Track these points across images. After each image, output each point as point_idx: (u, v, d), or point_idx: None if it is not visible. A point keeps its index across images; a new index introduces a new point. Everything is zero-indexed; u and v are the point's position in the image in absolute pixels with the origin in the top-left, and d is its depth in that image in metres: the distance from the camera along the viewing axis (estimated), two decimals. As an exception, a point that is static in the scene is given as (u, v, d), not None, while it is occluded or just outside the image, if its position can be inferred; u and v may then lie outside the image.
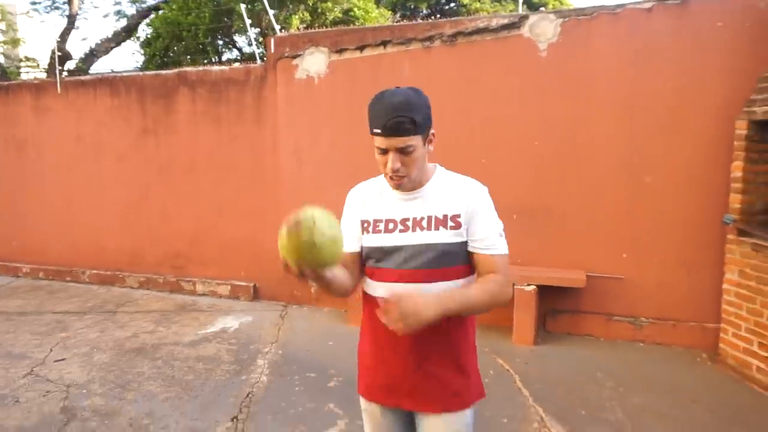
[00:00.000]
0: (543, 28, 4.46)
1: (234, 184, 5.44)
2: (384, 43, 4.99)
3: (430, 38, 4.81)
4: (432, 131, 1.59)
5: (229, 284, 5.45)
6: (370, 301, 1.68)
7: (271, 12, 5.60)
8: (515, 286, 4.26)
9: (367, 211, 1.68)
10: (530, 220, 4.51)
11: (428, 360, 1.62)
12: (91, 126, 5.99)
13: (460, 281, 1.60)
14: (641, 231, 4.27)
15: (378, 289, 1.63)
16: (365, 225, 1.67)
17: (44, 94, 6.21)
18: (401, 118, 1.48)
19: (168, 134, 5.67)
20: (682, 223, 4.17)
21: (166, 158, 5.70)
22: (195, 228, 5.60)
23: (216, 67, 5.56)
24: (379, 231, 1.63)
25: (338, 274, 1.57)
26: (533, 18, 4.50)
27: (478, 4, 15.70)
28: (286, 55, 5.23)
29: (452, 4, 16.65)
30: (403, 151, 1.51)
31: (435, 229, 1.59)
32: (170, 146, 5.67)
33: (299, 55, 5.21)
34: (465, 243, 1.59)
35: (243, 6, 6.35)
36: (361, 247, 1.68)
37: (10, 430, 2.96)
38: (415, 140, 1.52)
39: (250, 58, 10.14)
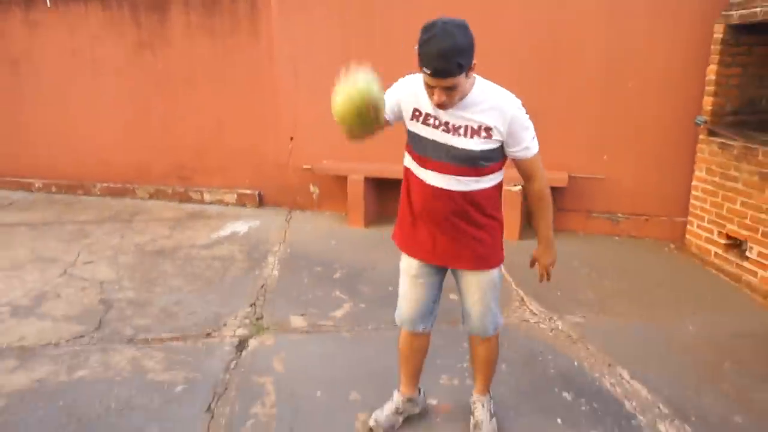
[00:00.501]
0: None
1: (233, 96, 5.60)
2: (377, -50, 4.96)
3: (423, -57, 4.78)
4: (474, 62, 1.78)
5: (235, 193, 5.78)
6: (410, 175, 2.07)
7: None
8: (504, 186, 4.59)
9: (420, 103, 1.94)
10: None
11: (460, 233, 2.01)
12: (86, 40, 6.02)
13: (488, 176, 1.97)
14: (621, 133, 4.55)
15: (420, 171, 2.01)
16: (416, 113, 1.96)
17: (34, 9, 6.17)
18: (448, 65, 1.69)
19: (164, 47, 5.73)
20: (659, 126, 4.44)
21: (164, 72, 5.80)
22: (198, 140, 5.83)
23: (208, -23, 5.52)
24: (428, 124, 1.93)
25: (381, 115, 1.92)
26: None
27: None
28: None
29: None
30: (447, 89, 1.76)
31: (470, 137, 1.88)
32: (167, 59, 5.76)
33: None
34: (496, 150, 1.91)
35: None
36: (407, 126, 2.04)
37: (59, 318, 3.39)
38: (459, 79, 1.74)
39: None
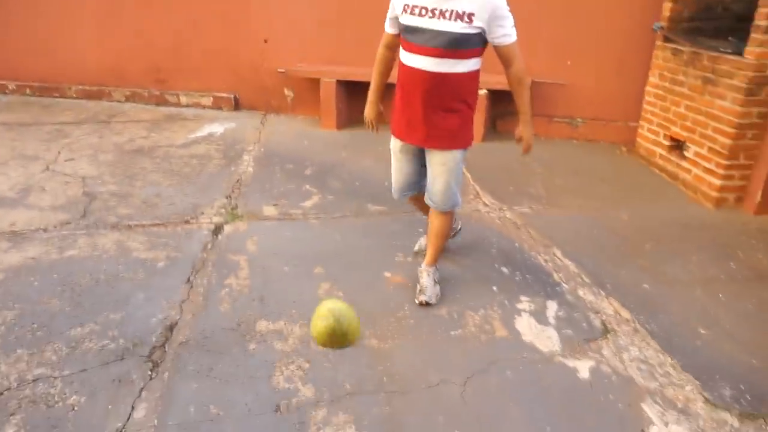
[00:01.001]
0: None
1: (205, -4, 5.54)
2: None
3: None
4: None
5: (211, 96, 5.87)
6: (401, 65, 2.38)
7: None
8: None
9: None
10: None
11: (435, 115, 2.35)
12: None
13: (470, 61, 2.27)
14: (583, 39, 4.69)
15: (408, 57, 2.32)
16: (406, 8, 2.26)
17: None
18: None
19: (132, -57, 5.56)
20: (621, 32, 4.58)
21: (134, -30, 5.66)
22: (173, 42, 5.81)
23: None
24: (415, 14, 2.24)
25: (384, 80, 2.64)
26: None
27: None
28: None
29: None
30: None
31: (453, 21, 2.17)
32: (136, -44, 5.61)
33: None
34: (475, 35, 2.20)
35: None
36: (399, 24, 2.34)
37: (46, 208, 3.62)
38: None
39: None
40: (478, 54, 2.30)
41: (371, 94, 2.67)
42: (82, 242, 3.16)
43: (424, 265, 2.72)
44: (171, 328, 2.43)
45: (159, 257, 3.01)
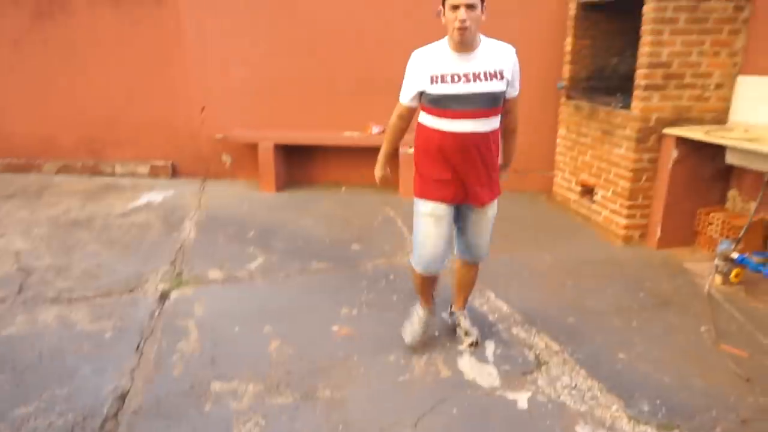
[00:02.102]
0: None
1: (142, 66, 5.68)
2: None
3: None
4: (485, 5, 2.24)
5: (148, 164, 5.91)
6: (434, 133, 2.41)
7: None
8: (399, 149, 5.12)
9: (435, 68, 2.31)
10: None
11: (491, 171, 2.49)
12: (-25, 11, 5.80)
13: (498, 117, 2.42)
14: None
15: (449, 124, 2.36)
16: (435, 78, 2.30)
17: None
18: None
19: (65, 17, 5.65)
20: (534, 91, 5.09)
21: (67, 42, 5.73)
22: (107, 111, 5.86)
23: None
24: (447, 82, 2.29)
25: (396, 147, 2.72)
26: None
27: None
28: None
29: None
30: (470, 7, 2.16)
31: (489, 81, 2.30)
32: (69, 29, 5.68)
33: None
34: (504, 90, 2.36)
35: None
36: (425, 95, 2.36)
37: (-22, 286, 3.52)
38: (478, 3, 2.19)
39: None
40: (502, 109, 2.46)
41: (382, 158, 2.71)
42: (20, 319, 3.10)
43: (459, 311, 2.94)
44: (123, 397, 2.44)
45: (105, 328, 3.00)
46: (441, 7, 2.24)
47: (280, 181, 5.51)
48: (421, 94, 2.38)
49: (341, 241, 4.23)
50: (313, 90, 5.44)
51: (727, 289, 3.42)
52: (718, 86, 3.88)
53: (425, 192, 2.52)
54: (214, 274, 3.67)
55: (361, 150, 5.43)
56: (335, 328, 3.03)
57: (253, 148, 5.51)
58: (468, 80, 2.29)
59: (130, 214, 4.85)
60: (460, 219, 2.62)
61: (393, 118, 2.56)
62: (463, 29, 2.18)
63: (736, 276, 3.42)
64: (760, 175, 3.55)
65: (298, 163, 5.70)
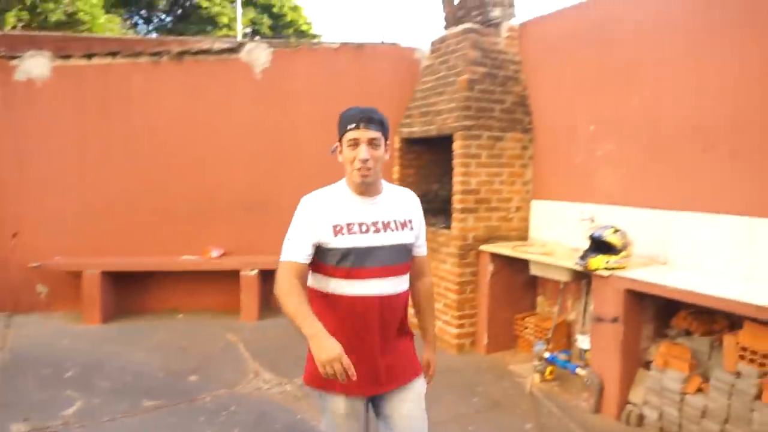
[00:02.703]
0: (258, 55, 5.35)
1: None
2: (113, 54, 5.26)
3: (159, 53, 5.28)
4: (388, 143, 1.84)
5: (-64, 300, 5.03)
6: (335, 300, 1.79)
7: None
8: (241, 272, 5.08)
9: (338, 216, 1.78)
10: (252, 213, 5.38)
11: (397, 343, 1.89)
12: None
13: (407, 276, 1.91)
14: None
15: (351, 286, 1.77)
16: (338, 228, 1.76)
17: None
18: (373, 115, 1.76)
19: None
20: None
21: None
22: None
23: None
24: (355, 232, 1.77)
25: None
26: (249, 45, 5.36)
27: (218, 8, 16.08)
28: (2, 54, 5.07)
29: (188, 3, 16.64)
30: (372, 143, 1.74)
31: (401, 230, 1.84)
32: None
33: (18, 57, 5.10)
34: (412, 243, 1.91)
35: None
36: (326, 251, 1.77)
37: None
38: (381, 138, 1.77)
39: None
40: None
41: (321, 328, 1.59)
42: None
43: None
44: None
45: None
46: (338, 143, 1.82)
47: (108, 311, 5.04)
48: (318, 249, 1.79)
49: (177, 373, 3.93)
50: (148, 213, 5.26)
51: (544, 386, 3.81)
52: (518, 209, 4.60)
53: (321, 381, 1.77)
54: (18, 428, 3.13)
55: (200, 274, 5.26)
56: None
57: (76, 276, 5.03)
58: (378, 230, 1.81)
59: None
60: (380, 416, 1.91)
61: (285, 280, 1.71)
62: (365, 171, 1.74)
63: (551, 373, 3.85)
64: (557, 282, 4.17)
65: (130, 291, 5.30)
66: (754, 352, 2.82)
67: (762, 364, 2.79)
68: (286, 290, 1.68)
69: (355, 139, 1.75)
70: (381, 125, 1.77)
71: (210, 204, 5.30)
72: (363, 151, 1.74)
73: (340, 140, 1.81)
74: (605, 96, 3.97)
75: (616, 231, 3.42)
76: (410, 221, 1.89)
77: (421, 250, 2.00)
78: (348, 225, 1.78)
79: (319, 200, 1.83)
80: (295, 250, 1.77)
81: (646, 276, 3.23)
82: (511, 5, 4.62)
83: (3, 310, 5.15)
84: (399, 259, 1.85)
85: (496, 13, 4.53)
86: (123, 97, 5.25)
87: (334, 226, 1.77)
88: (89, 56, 5.23)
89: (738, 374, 2.89)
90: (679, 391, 3.12)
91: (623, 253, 3.39)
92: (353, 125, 1.74)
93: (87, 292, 4.91)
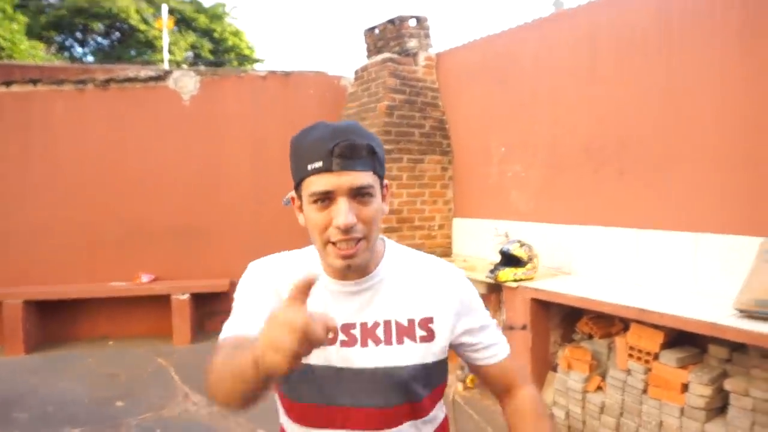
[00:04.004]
0: (185, 82, 5.43)
1: None
2: (34, 81, 5.21)
3: (83, 81, 5.27)
4: (386, 183, 1.06)
5: None
6: None
7: None
8: (172, 296, 5.08)
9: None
10: (183, 239, 5.39)
11: None
12: None
13: (430, 414, 1.11)
14: (272, 242, 5.60)
15: None
16: None
17: None
18: (356, 140, 0.95)
19: None
20: (289, 235, 5.64)
21: None
22: None
23: None
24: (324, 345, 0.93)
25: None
26: (177, 73, 5.43)
27: (156, 32, 15.96)
28: None
29: (127, 26, 16.45)
30: (359, 194, 0.96)
31: (398, 343, 1.05)
32: None
33: (-72, 84, 4.98)
34: (439, 363, 1.10)
35: None
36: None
37: None
38: (374, 181, 0.99)
39: None
40: (441, 395, 1.19)
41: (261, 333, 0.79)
42: None
43: None
44: None
45: None
46: (293, 192, 1.06)
47: (32, 341, 4.91)
48: None
49: (103, 400, 3.89)
50: (73, 239, 5.19)
51: (466, 394, 4.03)
52: (441, 227, 4.86)
53: None
54: (-72, 464, 3.05)
55: (130, 300, 5.21)
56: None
57: (-6, 307, 4.88)
58: (351, 341, 1.05)
59: None
60: None
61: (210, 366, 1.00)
62: (349, 247, 0.97)
63: (471, 381, 4.07)
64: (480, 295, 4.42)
65: (57, 319, 5.18)
66: (640, 351, 3.13)
67: (647, 361, 3.10)
68: (212, 365, 0.98)
69: (324, 193, 0.95)
70: (372, 157, 0.98)
71: (139, 230, 5.28)
72: (343, 213, 0.94)
73: (297, 188, 1.02)
74: (511, 121, 4.31)
75: (522, 245, 3.71)
76: (427, 321, 1.08)
77: (495, 351, 1.17)
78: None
79: (269, 278, 1.10)
80: (234, 324, 1.07)
81: (550, 286, 3.52)
82: (427, 36, 4.93)
83: None
84: (388, 398, 1.04)
85: (412, 43, 4.83)
86: (46, 125, 5.19)
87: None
88: (8, 84, 5.16)
89: (629, 371, 3.20)
90: (581, 390, 3.41)
91: (529, 266, 3.68)
92: (318, 164, 0.94)
93: (8, 323, 4.77)
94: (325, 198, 0.96)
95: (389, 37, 4.94)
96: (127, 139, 5.34)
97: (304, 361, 0.76)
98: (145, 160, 5.35)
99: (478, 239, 4.66)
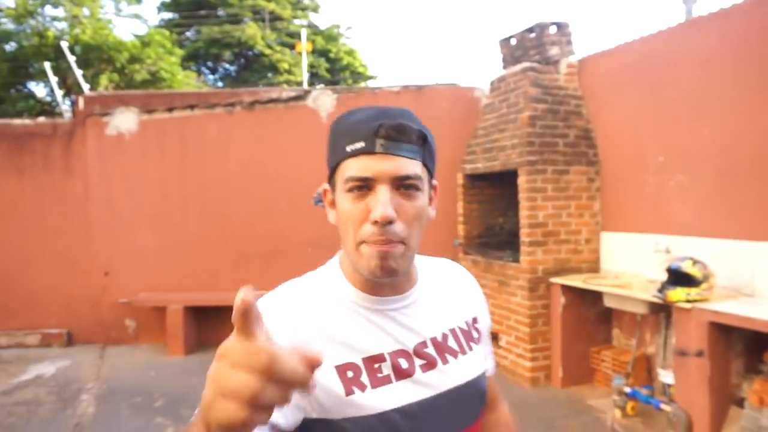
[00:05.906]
0: (323, 101, 5.66)
1: (42, 234, 5.54)
2: (191, 107, 5.71)
3: (232, 104, 5.68)
4: (435, 183, 0.92)
5: (39, 333, 5.47)
6: None
7: (78, 71, 5.89)
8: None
9: (337, 346, 0.83)
10: (321, 250, 5.55)
11: None
12: None
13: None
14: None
15: None
16: (350, 376, 0.82)
17: None
18: (405, 122, 0.81)
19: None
20: (434, 249, 5.61)
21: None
22: (-5, 281, 5.51)
23: (18, 121, 5.64)
24: (389, 379, 0.84)
25: None
26: (315, 92, 5.68)
27: (279, 55, 16.98)
28: (96, 112, 5.61)
29: (251, 52, 17.67)
30: (403, 186, 0.81)
31: (469, 349, 0.95)
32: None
33: (109, 114, 5.63)
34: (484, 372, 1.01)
35: (47, 64, 6.43)
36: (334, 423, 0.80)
37: None
38: (423, 173, 0.85)
39: (49, 105, 9.88)
40: None
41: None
42: None
43: None
44: None
45: None
46: (326, 184, 0.91)
47: (190, 343, 5.32)
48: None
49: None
50: (224, 253, 5.57)
51: (626, 421, 3.71)
52: (588, 241, 4.57)
53: None
54: (118, 453, 3.36)
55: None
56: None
57: (160, 311, 5.36)
58: (431, 363, 0.89)
59: (13, 391, 4.37)
60: None
61: None
62: (387, 244, 0.80)
63: (632, 409, 3.75)
64: (634, 315, 4.09)
65: (210, 324, 5.57)
66: None
67: None
68: None
69: (363, 179, 0.80)
70: (423, 145, 0.83)
71: (280, 244, 5.55)
72: (381, 203, 0.79)
73: (330, 178, 0.88)
74: (671, 128, 3.96)
75: (696, 262, 3.36)
76: (475, 321, 1.00)
77: (492, 362, 1.08)
78: (368, 363, 0.83)
79: (290, 321, 0.85)
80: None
81: (733, 308, 3.15)
82: (569, 43, 4.71)
83: (96, 343, 5.53)
84: (476, 412, 0.95)
85: (554, 51, 4.64)
86: (201, 145, 5.66)
87: (343, 371, 0.82)
88: (170, 110, 5.70)
89: (840, 411, 2.75)
90: (775, 429, 2.99)
91: (704, 285, 3.32)
92: (359, 144, 0.80)
93: (171, 326, 5.21)
94: (363, 185, 0.80)
95: (528, 46, 4.79)
96: (268, 157, 5.65)
97: (404, 404, 0.76)
98: (285, 177, 5.63)
99: (631, 254, 4.32)
